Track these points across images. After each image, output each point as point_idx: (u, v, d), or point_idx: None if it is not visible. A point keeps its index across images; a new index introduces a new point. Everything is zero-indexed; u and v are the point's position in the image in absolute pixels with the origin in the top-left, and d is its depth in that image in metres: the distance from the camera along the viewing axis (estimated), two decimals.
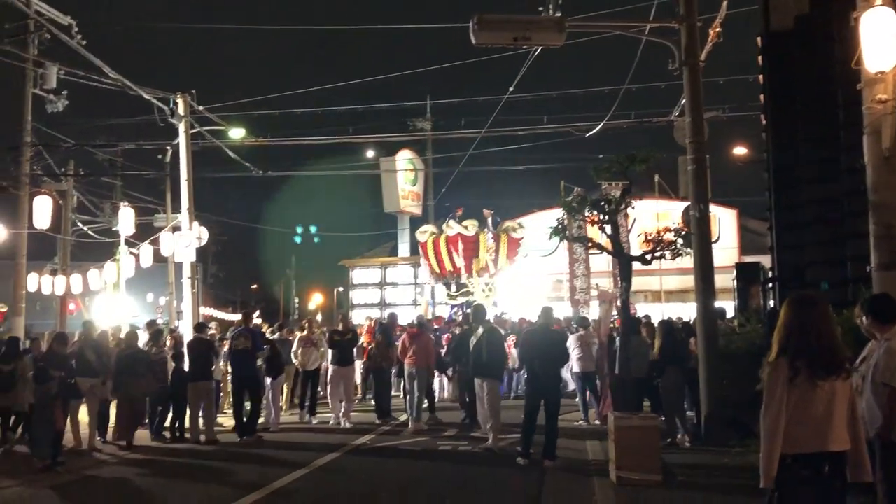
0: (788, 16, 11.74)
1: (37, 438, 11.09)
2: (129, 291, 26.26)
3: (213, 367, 13.77)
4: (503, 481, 9.90)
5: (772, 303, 12.10)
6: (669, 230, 10.29)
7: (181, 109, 17.56)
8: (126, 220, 19.24)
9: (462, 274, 28.30)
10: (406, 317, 26.75)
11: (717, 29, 12.95)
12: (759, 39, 12.26)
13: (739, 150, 15.56)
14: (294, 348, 15.38)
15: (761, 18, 12.15)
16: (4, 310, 22.46)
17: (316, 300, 46.28)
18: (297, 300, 46.82)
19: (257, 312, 41.06)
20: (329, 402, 15.21)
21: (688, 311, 28.89)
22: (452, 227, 27.77)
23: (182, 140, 17.60)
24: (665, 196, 31.16)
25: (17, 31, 22.23)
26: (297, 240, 33.96)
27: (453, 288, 28.70)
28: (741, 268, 12.74)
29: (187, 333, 17.28)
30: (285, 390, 16.16)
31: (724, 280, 28.89)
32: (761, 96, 12.28)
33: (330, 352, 15.28)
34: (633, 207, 10.83)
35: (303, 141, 26.03)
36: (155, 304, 37.56)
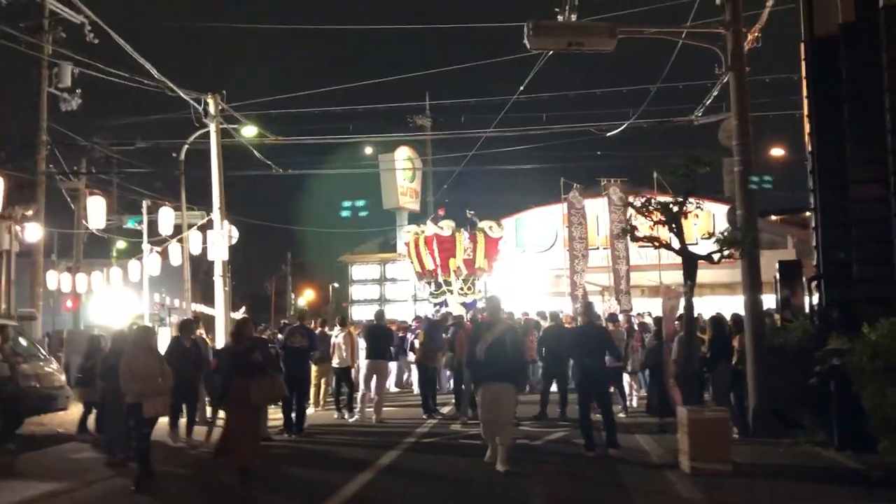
0: (832, 23, 12.16)
1: (108, 435, 11.29)
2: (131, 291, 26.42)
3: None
4: (582, 474, 10.24)
5: (815, 299, 12.56)
6: (736, 230, 10.73)
7: (212, 109, 17.73)
8: (166, 218, 19.35)
9: (439, 273, 28.77)
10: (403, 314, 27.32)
11: (756, 34, 13.37)
12: (801, 46, 12.68)
13: (777, 152, 16.02)
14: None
15: (803, 25, 12.56)
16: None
17: (307, 296, 46.46)
18: (293, 296, 46.93)
19: (242, 309, 41.25)
20: (358, 397, 15.58)
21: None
22: (429, 227, 28.26)
23: (213, 140, 17.78)
24: (663, 192, 31.75)
25: (32, 30, 22.23)
26: None
27: (433, 286, 29.19)
28: (784, 265, 13.22)
29: (220, 330, 17.52)
30: (324, 386, 16.44)
31: (726, 275, 29.64)
32: (805, 100, 12.72)
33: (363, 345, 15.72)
34: (701, 208, 11.24)
35: (305, 140, 26.09)
36: (154, 303, 37.43)
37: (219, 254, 17.59)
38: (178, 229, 23.56)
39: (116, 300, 25.85)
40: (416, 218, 34.39)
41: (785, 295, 13.18)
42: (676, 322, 12.23)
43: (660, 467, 10.38)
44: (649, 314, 21.20)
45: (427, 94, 34.93)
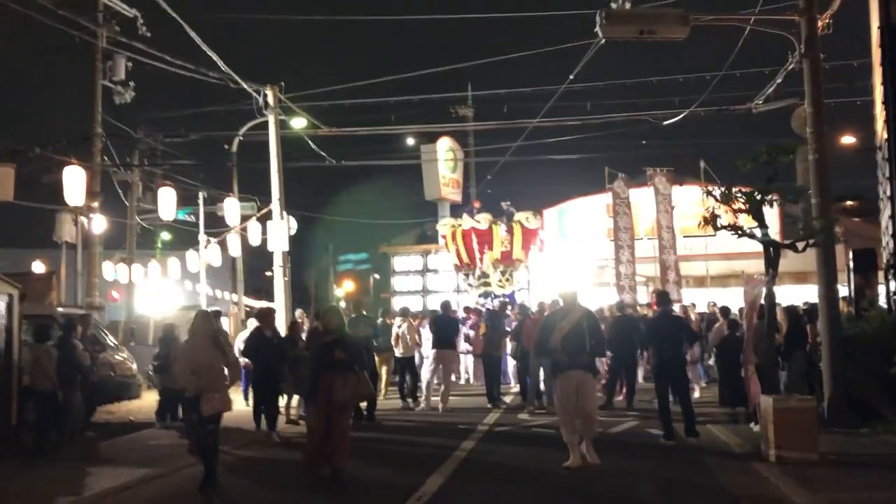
0: None
1: (188, 422, 11.41)
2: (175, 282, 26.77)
3: None
4: (668, 464, 10.19)
5: (893, 286, 12.46)
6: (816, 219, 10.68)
7: (270, 100, 17.82)
8: (231, 209, 19.50)
9: (478, 265, 28.92)
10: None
11: (827, 20, 13.20)
12: (877, 32, 12.57)
13: (848, 139, 15.87)
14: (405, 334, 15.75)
15: (879, 11, 12.45)
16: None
17: (346, 287, 46.57)
18: (335, 287, 47.09)
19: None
20: (423, 385, 15.76)
21: (728, 297, 29.44)
22: (466, 221, 28.44)
23: (272, 131, 17.87)
24: (711, 182, 31.66)
25: (86, 24, 22.41)
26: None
27: (472, 279, 29.31)
28: (858, 255, 13.12)
29: (280, 322, 17.61)
30: (385, 375, 16.55)
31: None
32: (879, 87, 12.61)
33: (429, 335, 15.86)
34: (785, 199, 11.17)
35: (356, 132, 26.09)
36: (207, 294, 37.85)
37: (279, 245, 17.69)
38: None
39: (166, 291, 26.23)
40: (457, 209, 34.46)
41: (859, 284, 13.05)
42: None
43: (743, 457, 10.35)
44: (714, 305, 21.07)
45: (469, 84, 34.93)
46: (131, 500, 8.73)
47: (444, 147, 34.99)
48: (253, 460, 10.91)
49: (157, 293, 25.94)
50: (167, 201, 18.71)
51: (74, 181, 16.37)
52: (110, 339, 15.01)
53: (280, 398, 13.31)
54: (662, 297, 12.62)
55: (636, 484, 9.17)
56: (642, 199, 31.80)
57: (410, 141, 35.07)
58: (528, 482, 9.47)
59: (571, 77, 22.52)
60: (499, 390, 15.84)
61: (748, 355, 11.36)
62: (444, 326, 15.30)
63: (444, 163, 35.18)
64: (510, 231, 28.75)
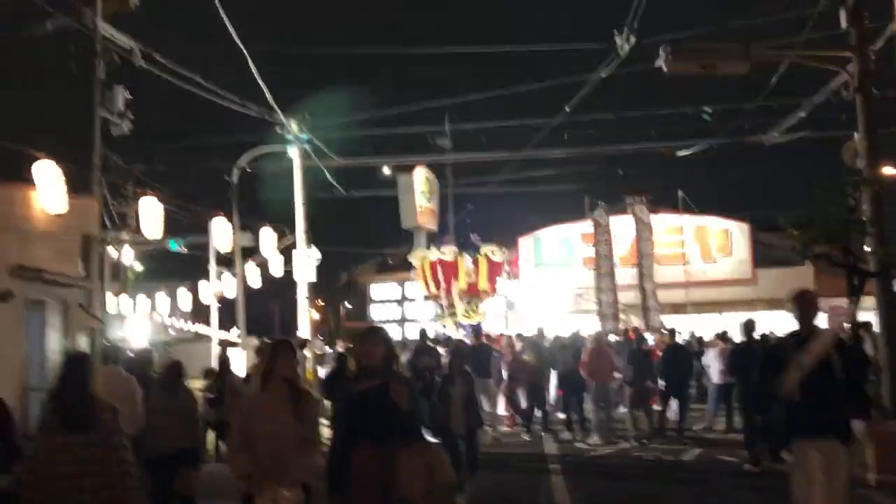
0: None
1: None
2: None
3: None
4: (776, 498, 10.29)
5: None
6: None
7: (295, 131, 17.74)
8: (267, 239, 19.12)
9: (443, 297, 29.26)
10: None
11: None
12: None
13: (889, 170, 16.34)
14: None
15: None
16: None
17: (312, 316, 46.04)
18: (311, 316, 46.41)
19: (234, 331, 40.68)
20: None
21: (706, 323, 29.79)
22: (433, 252, 28.86)
23: (296, 163, 17.78)
24: (688, 210, 32.39)
25: (84, 56, 21.97)
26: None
27: (439, 310, 29.63)
28: None
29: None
30: None
31: (738, 292, 30.15)
32: None
33: None
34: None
35: (370, 162, 26.19)
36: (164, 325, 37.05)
37: (305, 275, 17.55)
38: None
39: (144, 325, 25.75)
40: (433, 237, 34.59)
41: None
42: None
43: None
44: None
45: (446, 115, 35.08)
46: None
47: (420, 177, 35.11)
48: None
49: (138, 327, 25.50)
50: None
51: (152, 213, 15.95)
52: None
53: None
54: (749, 327, 12.70)
55: None
56: (618, 228, 32.36)
57: (387, 170, 35.02)
58: None
59: (567, 109, 23.00)
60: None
61: None
62: (482, 355, 15.53)
63: (420, 193, 35.30)
64: (475, 263, 29.12)
